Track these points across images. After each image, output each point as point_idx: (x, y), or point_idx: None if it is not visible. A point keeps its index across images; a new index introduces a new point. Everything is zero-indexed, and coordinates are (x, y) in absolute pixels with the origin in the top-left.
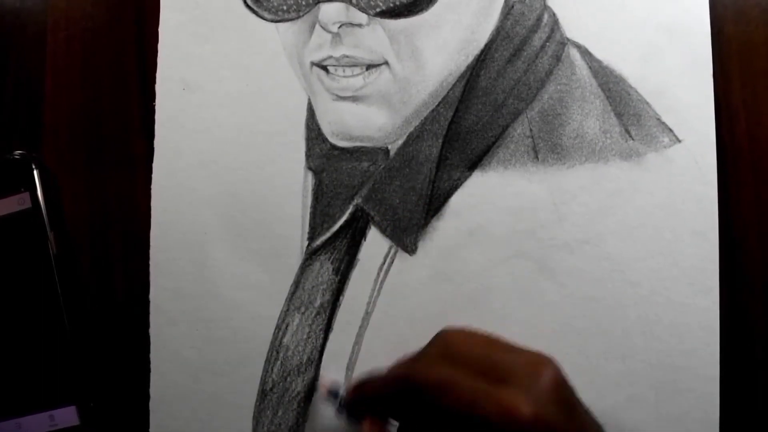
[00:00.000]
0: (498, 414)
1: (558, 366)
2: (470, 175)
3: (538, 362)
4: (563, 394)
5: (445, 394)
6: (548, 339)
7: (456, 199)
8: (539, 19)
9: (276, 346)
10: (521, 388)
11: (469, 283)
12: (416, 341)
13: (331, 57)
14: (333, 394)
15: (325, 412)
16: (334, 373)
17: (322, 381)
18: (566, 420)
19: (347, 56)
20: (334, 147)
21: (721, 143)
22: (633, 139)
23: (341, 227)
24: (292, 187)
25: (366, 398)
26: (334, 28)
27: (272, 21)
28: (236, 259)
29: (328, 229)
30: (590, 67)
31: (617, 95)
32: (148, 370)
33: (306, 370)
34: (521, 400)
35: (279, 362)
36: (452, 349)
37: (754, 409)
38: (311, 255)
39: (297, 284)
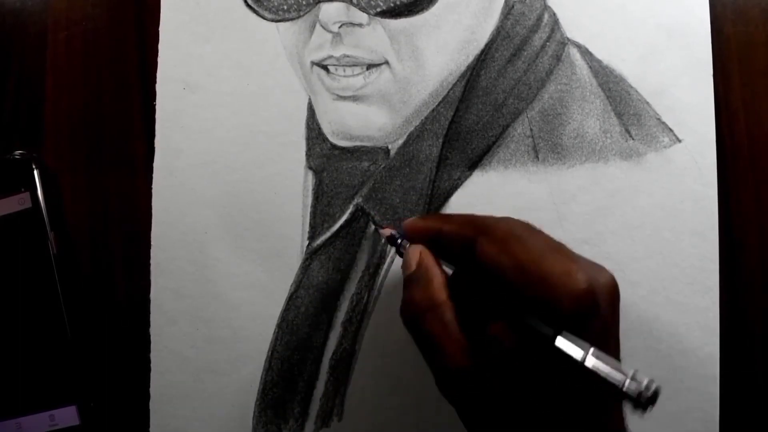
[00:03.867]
0: (560, 273)
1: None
2: (470, 174)
3: (603, 267)
4: (614, 298)
5: (515, 243)
6: None
7: (456, 199)
8: (539, 19)
9: (276, 346)
10: (586, 271)
11: None
12: None
13: (331, 57)
14: (393, 238)
15: None
16: None
17: (382, 231)
18: (611, 320)
19: (348, 56)
20: (334, 146)
21: (720, 143)
22: (633, 139)
23: (341, 227)
24: (293, 186)
25: (428, 231)
26: (335, 28)
27: (273, 21)
28: (236, 258)
29: (328, 228)
30: (590, 67)
31: (617, 95)
32: (149, 370)
33: (307, 369)
34: (583, 275)
35: (280, 362)
36: (527, 223)
37: (753, 408)
38: (311, 254)
39: (297, 284)
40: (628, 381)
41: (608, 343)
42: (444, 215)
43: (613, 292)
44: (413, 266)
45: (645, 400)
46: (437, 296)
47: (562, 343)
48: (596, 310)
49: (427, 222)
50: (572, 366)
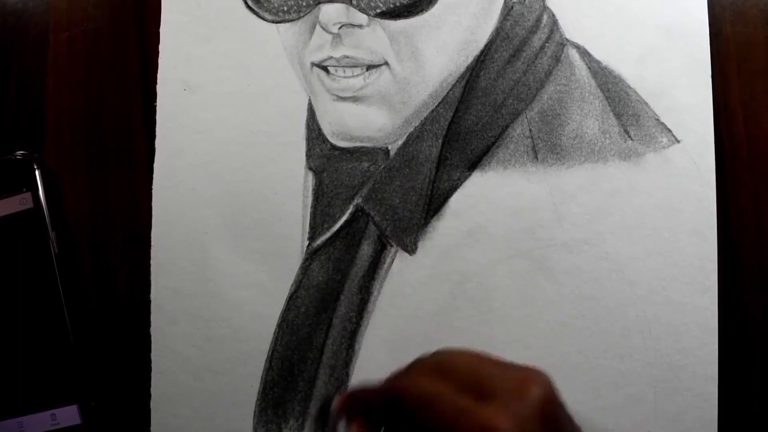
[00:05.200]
0: (478, 431)
1: (549, 382)
2: (470, 175)
3: (527, 378)
4: (550, 411)
5: (428, 409)
6: (547, 338)
7: (456, 199)
8: (538, 20)
9: (277, 346)
10: (504, 406)
11: (468, 282)
12: (416, 341)
13: (331, 57)
14: (321, 413)
15: None
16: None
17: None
18: (553, 423)
19: (347, 57)
20: (334, 147)
21: (719, 143)
22: (632, 140)
23: (341, 227)
24: (293, 187)
25: (357, 407)
26: (335, 29)
27: (273, 22)
28: (237, 258)
29: (328, 228)
30: (589, 68)
31: (616, 96)
32: (149, 369)
33: (307, 369)
34: (502, 419)
35: (280, 362)
36: (443, 363)
37: (751, 408)
38: (312, 255)
39: (297, 284)
40: None
41: None
42: (366, 389)
43: (543, 406)
44: None
45: None
46: None
47: None
48: None
49: (356, 397)
50: None
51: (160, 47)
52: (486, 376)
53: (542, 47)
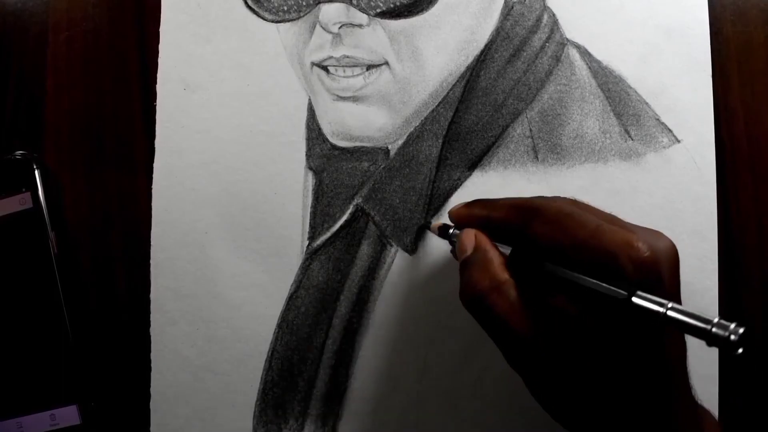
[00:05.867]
0: (620, 245)
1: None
2: (470, 175)
3: (661, 233)
4: (676, 264)
5: (568, 222)
6: None
7: (456, 199)
8: (539, 19)
9: (277, 346)
10: (643, 237)
11: None
12: (416, 341)
13: (331, 57)
14: (446, 228)
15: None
16: None
17: (434, 225)
18: (674, 284)
19: (347, 56)
20: (334, 147)
21: (719, 143)
22: (632, 140)
23: (341, 227)
24: (293, 187)
25: (477, 218)
26: (335, 29)
27: (273, 21)
28: (236, 258)
29: (328, 228)
30: (590, 68)
31: (616, 95)
32: (149, 370)
33: (307, 369)
34: (642, 243)
35: (280, 362)
36: (575, 202)
37: (753, 408)
38: (311, 255)
39: (297, 284)
40: (714, 328)
41: (678, 287)
42: (489, 201)
43: (673, 256)
44: (469, 249)
45: (734, 343)
46: (499, 275)
47: (640, 300)
48: (661, 277)
49: (474, 209)
50: (652, 322)
51: (160, 47)
52: (619, 218)
53: (542, 47)
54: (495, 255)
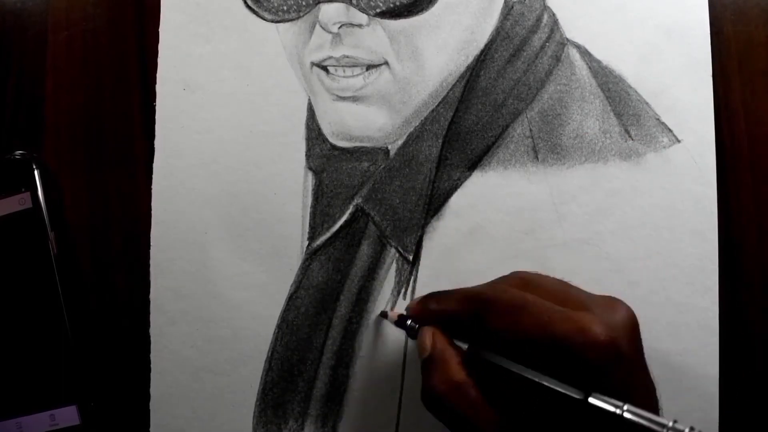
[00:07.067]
0: (574, 333)
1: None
2: (470, 175)
3: (615, 301)
4: (636, 333)
5: (520, 313)
6: None
7: (456, 199)
8: (539, 19)
9: (276, 346)
10: (598, 316)
11: (469, 283)
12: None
13: (331, 57)
14: (403, 320)
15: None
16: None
17: (390, 315)
18: (636, 357)
19: (347, 56)
20: (334, 147)
21: (720, 143)
22: (632, 139)
23: (341, 227)
24: (293, 187)
25: (433, 313)
26: (335, 29)
27: (272, 21)
28: (236, 259)
29: (328, 229)
30: (590, 68)
31: (617, 95)
32: (149, 370)
33: (307, 369)
34: (597, 325)
35: (280, 362)
36: (529, 280)
37: (753, 408)
38: (311, 255)
39: (297, 284)
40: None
41: (637, 375)
42: (443, 294)
43: (631, 327)
44: (428, 349)
45: None
46: (457, 376)
47: (596, 401)
48: (620, 355)
49: (430, 304)
50: (610, 421)
51: (160, 47)
52: (574, 293)
53: (543, 47)
54: (452, 355)
